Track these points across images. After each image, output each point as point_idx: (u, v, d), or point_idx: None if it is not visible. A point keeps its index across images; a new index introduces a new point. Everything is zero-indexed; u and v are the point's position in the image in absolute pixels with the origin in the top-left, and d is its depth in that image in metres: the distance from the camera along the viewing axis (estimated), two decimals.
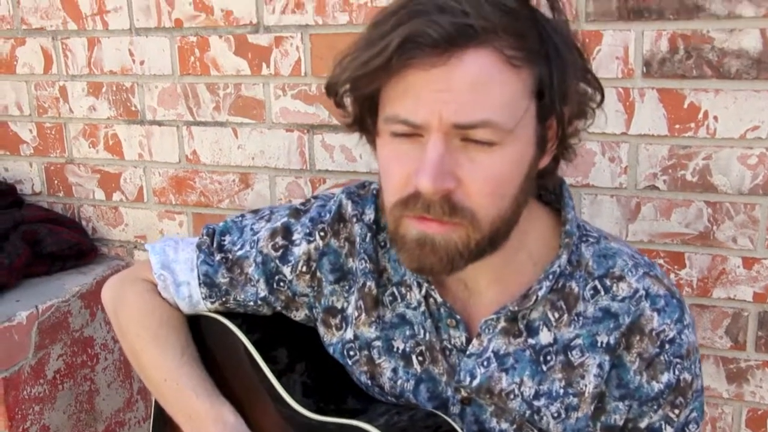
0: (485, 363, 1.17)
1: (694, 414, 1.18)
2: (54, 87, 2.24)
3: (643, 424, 1.16)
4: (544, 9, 1.04)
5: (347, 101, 1.09)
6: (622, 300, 1.14)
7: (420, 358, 1.22)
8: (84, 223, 2.34)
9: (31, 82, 2.27)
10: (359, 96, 1.05)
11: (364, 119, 1.08)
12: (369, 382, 1.26)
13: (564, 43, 1.03)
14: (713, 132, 1.65)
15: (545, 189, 1.22)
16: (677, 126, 1.67)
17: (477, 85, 0.96)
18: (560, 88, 1.02)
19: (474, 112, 0.96)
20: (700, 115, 1.65)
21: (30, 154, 2.34)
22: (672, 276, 1.75)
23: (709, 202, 1.70)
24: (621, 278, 1.14)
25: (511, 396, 1.16)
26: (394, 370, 1.23)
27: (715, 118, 1.64)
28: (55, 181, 2.34)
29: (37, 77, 2.25)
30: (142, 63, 2.12)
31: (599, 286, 1.15)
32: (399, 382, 1.23)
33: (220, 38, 2.01)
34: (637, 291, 1.13)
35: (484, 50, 0.96)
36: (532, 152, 1.05)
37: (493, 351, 1.17)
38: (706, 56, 1.62)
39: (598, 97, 1.13)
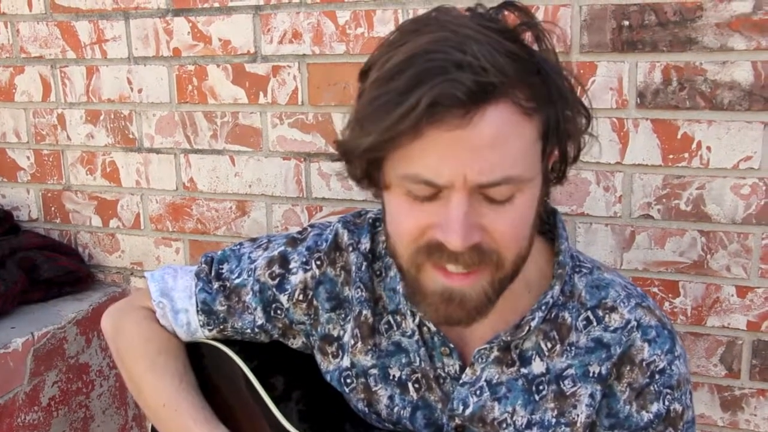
0: (478, 392, 1.18)
1: None
2: (52, 114, 2.25)
3: None
4: (530, 41, 1.04)
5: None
6: (614, 330, 1.15)
7: (416, 386, 1.22)
8: (81, 249, 2.34)
9: (29, 110, 2.28)
10: (373, 157, 1.02)
11: (372, 174, 1.07)
12: (366, 409, 1.26)
13: (561, 78, 1.04)
14: (706, 162, 1.67)
15: (540, 219, 1.23)
16: (671, 156, 1.69)
17: (497, 142, 0.95)
18: (565, 125, 1.03)
19: (496, 171, 0.96)
20: (694, 146, 1.67)
21: (27, 181, 2.35)
22: (666, 304, 1.76)
23: (703, 232, 1.71)
24: (613, 309, 1.15)
25: (504, 425, 1.17)
26: (391, 398, 1.24)
27: (708, 148, 1.66)
28: (52, 208, 2.34)
29: (36, 105, 2.27)
30: (140, 91, 2.13)
31: (592, 317, 1.16)
32: (396, 409, 1.23)
33: (218, 67, 2.03)
34: (629, 322, 1.14)
35: (503, 104, 0.95)
36: (541, 191, 1.07)
37: (486, 380, 1.17)
38: (699, 88, 1.64)
39: (586, 123, 1.12)
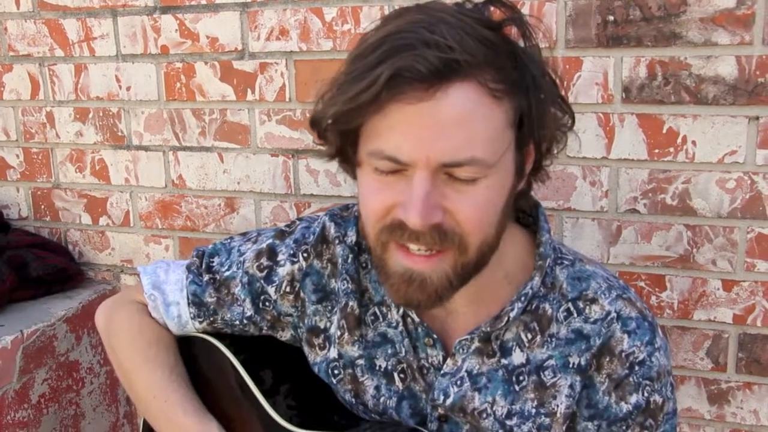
0: (459, 382, 1.19)
1: None
2: (41, 113, 2.26)
3: None
4: (516, 36, 1.06)
5: (329, 134, 1.09)
6: (595, 322, 1.15)
7: (402, 376, 1.23)
8: (70, 247, 2.34)
9: (18, 108, 2.28)
10: (343, 129, 1.04)
11: (346, 150, 1.08)
12: (353, 400, 1.27)
13: (539, 71, 1.05)
14: (692, 156, 1.68)
15: (522, 211, 1.24)
16: (656, 150, 1.70)
17: (462, 121, 0.97)
18: (538, 116, 1.04)
19: (460, 151, 0.97)
20: (679, 140, 1.68)
21: (17, 179, 2.35)
22: (653, 299, 1.77)
23: (689, 226, 1.72)
24: (594, 300, 1.16)
25: (484, 415, 1.18)
26: (377, 388, 1.25)
27: (694, 142, 1.67)
28: (42, 206, 2.34)
29: (24, 103, 2.27)
30: (128, 89, 2.14)
31: (572, 308, 1.17)
32: (382, 399, 1.24)
33: (206, 64, 2.03)
34: (609, 313, 1.15)
35: (469, 84, 0.97)
36: (512, 179, 1.07)
37: (466, 371, 1.18)
38: (683, 82, 1.65)
39: (569, 121, 1.14)
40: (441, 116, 0.96)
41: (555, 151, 1.14)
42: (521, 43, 1.05)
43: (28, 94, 2.25)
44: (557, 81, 1.11)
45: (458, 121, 0.96)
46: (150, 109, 2.13)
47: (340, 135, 1.06)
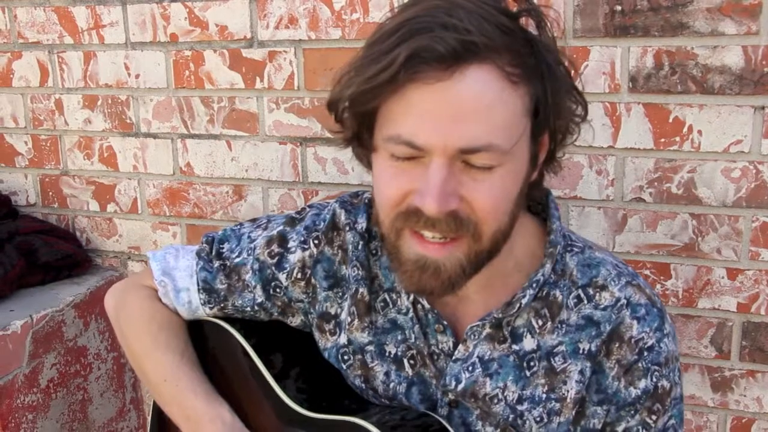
0: (470, 368, 1.20)
1: (672, 421, 1.21)
2: (50, 100, 2.27)
3: (620, 428, 1.19)
4: (532, 28, 1.07)
5: (346, 117, 1.09)
6: (604, 309, 1.17)
7: (411, 362, 1.24)
8: (78, 234, 2.36)
9: (27, 95, 2.29)
10: (359, 112, 1.05)
11: (362, 135, 1.09)
12: (363, 385, 1.29)
13: (554, 60, 1.06)
14: (698, 146, 1.69)
15: (533, 200, 1.25)
16: (662, 140, 1.71)
17: (480, 106, 0.97)
18: (554, 105, 1.04)
19: (478, 137, 0.98)
20: (685, 129, 1.69)
21: (25, 166, 2.37)
22: (658, 287, 1.78)
23: (694, 215, 1.73)
24: (604, 287, 1.17)
25: (495, 400, 1.19)
26: (387, 374, 1.26)
27: (699, 132, 1.68)
28: (50, 193, 2.36)
29: (33, 90, 2.28)
30: (137, 76, 2.15)
31: (582, 295, 1.18)
32: (392, 385, 1.26)
33: (215, 52, 2.04)
34: (618, 300, 1.16)
35: (487, 66, 0.97)
36: (526, 168, 1.08)
37: (478, 356, 1.20)
38: (690, 72, 1.66)
39: (582, 112, 1.15)
40: (459, 99, 0.96)
41: (568, 142, 1.15)
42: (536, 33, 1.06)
43: (37, 81, 2.26)
44: (571, 72, 1.12)
45: (475, 105, 0.97)
46: (159, 97, 2.14)
47: (357, 118, 1.06)
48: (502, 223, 1.06)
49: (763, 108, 1.63)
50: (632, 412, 1.17)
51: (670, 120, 1.70)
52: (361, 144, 1.11)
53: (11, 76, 2.29)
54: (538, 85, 1.02)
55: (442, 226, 1.02)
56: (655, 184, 1.74)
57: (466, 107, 0.96)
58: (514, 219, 1.10)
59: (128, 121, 2.20)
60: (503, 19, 0.99)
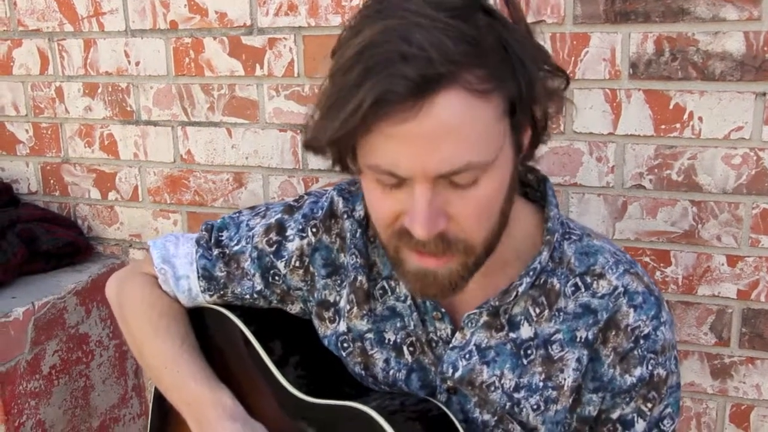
0: (467, 356, 1.20)
1: (668, 410, 1.20)
2: (50, 88, 2.27)
3: (614, 415, 1.19)
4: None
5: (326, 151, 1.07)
6: (602, 297, 1.17)
7: (411, 349, 1.25)
8: (79, 222, 2.36)
9: (27, 83, 2.29)
10: (337, 149, 1.03)
11: (345, 162, 1.07)
12: (363, 372, 1.29)
13: (522, 45, 1.01)
14: (698, 132, 1.69)
15: (530, 186, 1.25)
16: (663, 126, 1.71)
17: (452, 131, 0.95)
18: (529, 95, 1.01)
19: (455, 160, 0.96)
20: (686, 116, 1.69)
21: (26, 154, 2.37)
22: (658, 274, 1.78)
23: (694, 201, 1.73)
24: (601, 276, 1.17)
25: (492, 388, 1.20)
26: (387, 361, 1.27)
27: (700, 118, 1.68)
28: (51, 181, 2.36)
29: (34, 78, 2.28)
30: (137, 64, 2.15)
31: (580, 283, 1.18)
32: (391, 372, 1.26)
33: (215, 40, 2.04)
34: (616, 288, 1.16)
35: (454, 91, 0.93)
36: (512, 161, 1.06)
37: (475, 344, 1.20)
38: (691, 58, 1.65)
39: (564, 84, 1.11)
40: (429, 130, 0.94)
41: (554, 116, 1.12)
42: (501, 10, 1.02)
43: (38, 69, 2.26)
44: (543, 46, 1.08)
45: (447, 131, 0.94)
46: (159, 84, 2.14)
47: (336, 153, 1.05)
48: (490, 227, 1.06)
49: (764, 94, 1.62)
50: (627, 399, 1.17)
51: (671, 106, 1.69)
52: (346, 169, 1.09)
53: (11, 64, 2.28)
54: (511, 83, 0.99)
55: (431, 247, 1.02)
56: (656, 170, 1.73)
57: (438, 134, 0.94)
58: (506, 213, 1.09)
59: (129, 108, 2.20)
60: (464, 27, 0.94)
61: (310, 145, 1.05)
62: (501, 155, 1.01)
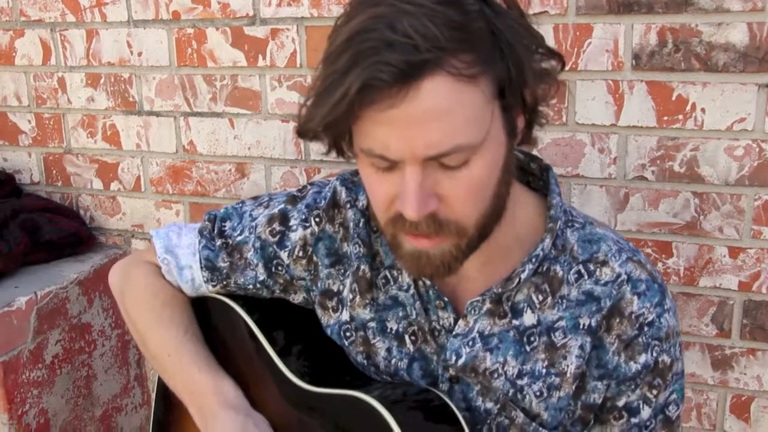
0: (470, 343, 1.21)
1: (673, 396, 1.21)
2: (53, 78, 2.27)
3: (620, 403, 1.19)
4: None
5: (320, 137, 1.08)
6: (605, 284, 1.17)
7: (413, 338, 1.25)
8: (82, 212, 2.37)
9: (29, 73, 2.29)
10: (331, 134, 1.05)
11: (340, 147, 1.09)
12: (365, 361, 1.30)
13: (512, 29, 1.02)
14: (701, 124, 1.69)
15: (533, 175, 1.26)
16: (665, 118, 1.71)
17: (438, 115, 0.96)
18: (519, 78, 1.02)
19: (443, 142, 0.97)
20: (688, 108, 1.69)
21: (29, 144, 2.37)
22: (659, 265, 1.79)
23: (696, 193, 1.73)
24: (604, 263, 1.18)
25: (495, 375, 1.20)
26: (389, 350, 1.27)
27: (703, 110, 1.68)
28: (54, 171, 2.36)
29: (36, 68, 2.28)
30: (140, 54, 2.15)
31: (583, 271, 1.18)
32: (393, 361, 1.27)
33: (217, 30, 2.04)
34: (619, 275, 1.17)
35: (439, 76, 0.94)
36: (505, 144, 1.07)
37: (478, 331, 1.20)
38: (694, 49, 1.65)
39: (558, 66, 1.11)
40: (416, 115, 0.95)
41: (548, 98, 1.12)
42: None
43: (40, 60, 2.26)
44: (535, 29, 1.08)
45: (433, 116, 0.96)
46: (161, 75, 2.14)
47: (330, 137, 1.06)
48: (482, 208, 1.06)
49: (767, 86, 1.62)
50: (632, 386, 1.18)
51: (674, 98, 1.69)
52: (342, 154, 1.11)
53: (14, 54, 2.28)
54: (500, 66, 1.00)
55: (423, 227, 1.03)
56: (658, 162, 1.74)
57: (425, 118, 0.96)
58: (502, 196, 1.09)
59: (131, 99, 2.20)
60: (451, 13, 0.95)
61: (302, 131, 1.07)
62: (491, 137, 1.02)
